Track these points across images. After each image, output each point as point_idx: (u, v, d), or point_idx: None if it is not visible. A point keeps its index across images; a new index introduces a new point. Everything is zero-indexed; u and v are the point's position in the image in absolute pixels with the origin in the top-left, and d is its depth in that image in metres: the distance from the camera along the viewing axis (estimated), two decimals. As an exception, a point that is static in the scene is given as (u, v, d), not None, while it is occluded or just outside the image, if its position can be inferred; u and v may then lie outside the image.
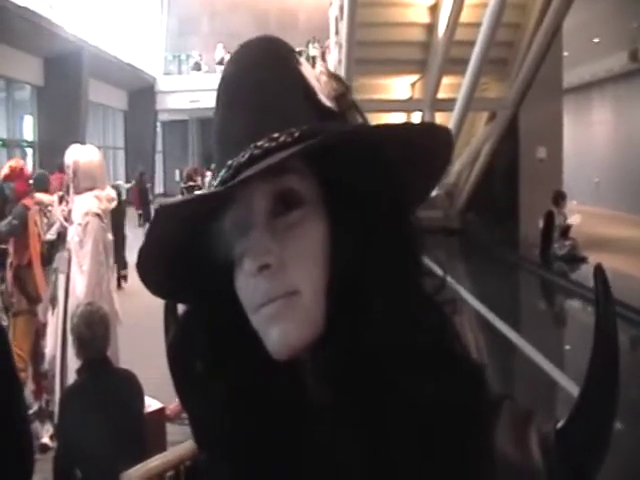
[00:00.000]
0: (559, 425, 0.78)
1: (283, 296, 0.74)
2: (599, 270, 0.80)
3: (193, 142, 37.55)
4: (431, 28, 16.16)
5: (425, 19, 16.22)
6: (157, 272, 0.82)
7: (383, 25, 15.83)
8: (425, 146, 0.79)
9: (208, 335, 0.82)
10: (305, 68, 0.82)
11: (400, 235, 0.78)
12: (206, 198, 0.76)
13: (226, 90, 0.81)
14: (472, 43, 13.73)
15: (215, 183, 0.78)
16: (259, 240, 0.75)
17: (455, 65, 14.82)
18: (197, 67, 33.77)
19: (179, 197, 0.79)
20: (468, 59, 13.99)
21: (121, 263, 11.83)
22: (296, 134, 0.74)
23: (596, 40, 21.51)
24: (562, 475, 0.76)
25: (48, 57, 20.96)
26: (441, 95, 16.22)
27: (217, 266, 0.80)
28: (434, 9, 15.91)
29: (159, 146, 34.57)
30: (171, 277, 0.82)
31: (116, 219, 12.77)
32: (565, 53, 17.63)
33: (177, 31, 35.83)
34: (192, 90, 31.24)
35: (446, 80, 15.97)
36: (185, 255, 0.80)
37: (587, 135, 27.22)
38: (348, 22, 15.19)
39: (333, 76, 0.84)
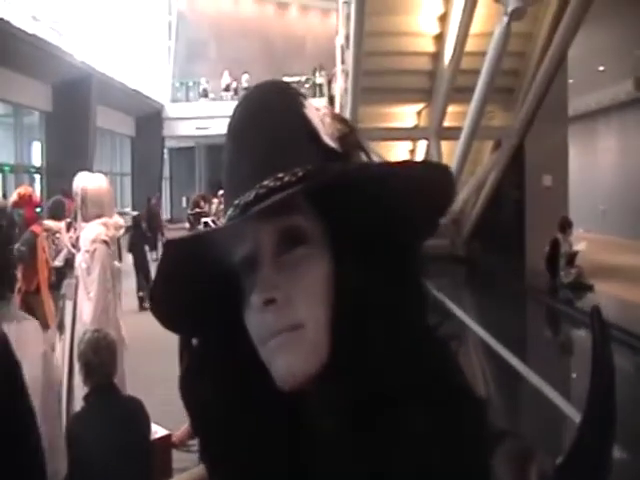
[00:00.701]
0: (558, 461, 0.79)
1: (288, 330, 0.77)
2: (596, 310, 0.83)
3: (200, 169, 37.66)
4: (437, 57, 16.22)
5: (431, 48, 16.28)
6: (169, 307, 0.85)
7: (389, 54, 15.90)
8: (427, 184, 0.82)
9: (220, 367, 0.85)
10: (310, 111, 0.85)
11: (403, 272, 0.81)
12: (213, 234, 0.80)
13: (234, 134, 0.85)
14: (477, 72, 13.79)
15: (224, 222, 0.82)
16: (266, 276, 0.78)
17: (461, 93, 14.87)
18: (204, 94, 33.94)
19: (186, 232, 0.82)
20: (474, 88, 14.04)
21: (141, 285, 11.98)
22: (300, 174, 0.77)
23: (601, 68, 21.59)
24: None
25: (57, 83, 21.10)
26: (447, 123, 16.27)
27: (228, 301, 0.83)
28: (439, 38, 15.98)
29: (166, 172, 34.68)
30: (183, 311, 0.85)
31: (135, 243, 12.93)
32: (570, 81, 17.69)
33: (185, 57, 36.07)
34: (199, 117, 31.39)
35: (452, 108, 16.02)
36: (197, 290, 0.83)
37: (593, 163, 27.24)
38: (354, 51, 15.27)
39: (337, 117, 0.88)
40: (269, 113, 0.84)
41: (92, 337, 3.90)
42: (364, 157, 0.88)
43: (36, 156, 22.03)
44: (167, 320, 0.87)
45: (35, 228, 6.20)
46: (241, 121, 0.85)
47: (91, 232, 5.11)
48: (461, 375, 0.83)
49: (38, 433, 1.86)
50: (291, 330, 0.77)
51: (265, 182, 0.77)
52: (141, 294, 11.87)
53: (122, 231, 5.53)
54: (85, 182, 5.24)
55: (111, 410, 3.69)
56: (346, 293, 0.78)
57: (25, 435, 1.80)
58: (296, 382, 0.77)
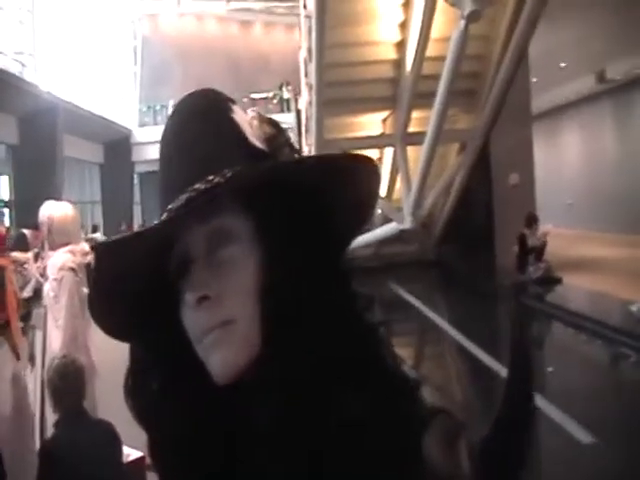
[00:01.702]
0: (484, 437, 0.84)
1: (220, 326, 0.80)
2: (516, 291, 0.87)
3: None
4: (399, 64, 16.17)
5: (393, 55, 16.23)
6: (108, 312, 0.87)
7: (352, 64, 15.85)
8: (351, 176, 0.86)
9: (162, 367, 0.88)
10: (238, 115, 0.89)
11: (331, 265, 0.85)
12: (142, 235, 0.81)
13: (165, 143, 0.89)
14: (439, 77, 13.86)
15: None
16: (198, 275, 0.82)
17: (424, 99, 14.80)
18: (172, 116, 33.76)
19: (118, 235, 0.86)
20: (436, 92, 14.12)
21: None
22: (228, 174, 0.79)
23: (563, 65, 21.75)
24: None
25: (22, 115, 20.94)
26: (412, 129, 16.29)
27: (167, 303, 0.86)
28: (401, 45, 15.94)
29: (137, 197, 34.48)
30: (123, 316, 0.87)
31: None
32: (533, 79, 17.83)
33: (151, 81, 35.89)
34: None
35: (416, 114, 15.98)
36: (134, 294, 0.86)
37: (559, 158, 27.40)
38: (317, 64, 15.25)
39: (265, 120, 0.92)
40: (198, 119, 0.87)
41: (59, 363, 3.91)
42: (293, 156, 0.91)
43: (4, 189, 21.79)
44: (108, 326, 0.89)
45: (2, 261, 6.16)
46: (172, 128, 0.89)
47: (58, 260, 5.11)
48: (392, 358, 0.86)
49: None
50: (223, 326, 0.80)
51: (196, 185, 0.80)
52: None
53: (89, 257, 5.53)
54: (51, 211, 5.24)
55: (81, 435, 3.69)
56: (274, 287, 0.81)
57: None
58: (229, 375, 0.80)
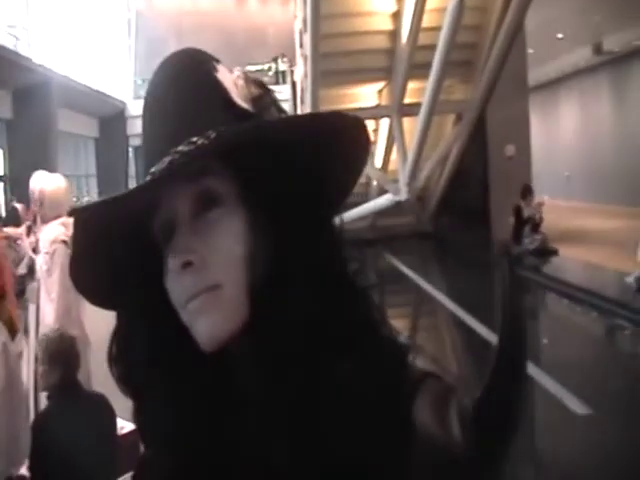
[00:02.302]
0: (476, 398, 0.82)
1: (206, 291, 0.77)
2: (504, 247, 0.86)
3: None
4: (394, 35, 16.16)
5: (388, 26, 16.21)
6: (91, 278, 0.85)
7: (347, 35, 15.83)
8: (339, 134, 0.83)
9: (147, 334, 0.85)
10: (222, 75, 0.86)
11: (319, 227, 0.83)
12: (122, 198, 0.78)
13: (148, 105, 0.87)
14: (435, 47, 13.80)
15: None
16: (182, 239, 0.80)
17: (420, 70, 14.80)
18: (167, 89, 33.60)
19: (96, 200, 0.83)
20: (432, 63, 14.07)
21: None
22: (212, 135, 0.77)
23: (560, 36, 21.65)
24: (479, 444, 0.80)
25: (16, 89, 20.80)
26: (408, 100, 16.23)
27: (150, 267, 0.84)
28: (396, 16, 15.91)
29: (132, 171, 34.41)
30: (104, 282, 0.85)
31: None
32: (530, 51, 17.74)
33: (145, 55, 35.62)
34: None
35: (412, 85, 15.95)
36: (118, 260, 0.84)
37: (556, 130, 27.40)
38: (312, 34, 15.17)
39: (250, 80, 0.89)
40: (181, 79, 0.84)
41: (51, 336, 3.91)
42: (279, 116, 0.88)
43: (-2, 164, 21.71)
44: (90, 293, 0.87)
45: (-7, 235, 6.12)
46: (154, 90, 0.86)
47: (50, 233, 5.10)
48: (382, 322, 0.85)
49: None
50: (208, 291, 0.78)
51: (179, 147, 0.78)
52: None
53: None
54: (42, 184, 5.21)
55: (75, 407, 3.69)
56: (261, 250, 0.79)
57: None
58: (217, 342, 0.78)
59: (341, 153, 0.86)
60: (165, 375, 0.84)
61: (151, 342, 0.85)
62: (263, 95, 0.88)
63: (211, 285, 0.78)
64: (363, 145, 0.88)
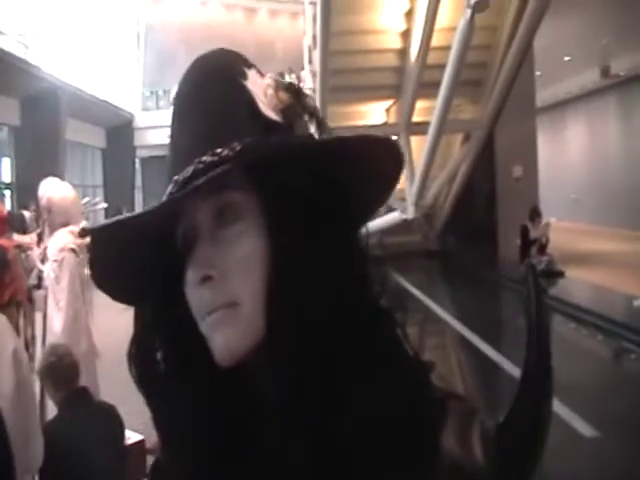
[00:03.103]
0: (500, 420, 0.80)
1: (224, 306, 0.76)
2: (531, 267, 0.85)
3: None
4: (404, 53, 16.24)
5: (398, 45, 16.30)
6: (113, 279, 0.84)
7: (356, 52, 15.91)
8: (371, 159, 0.81)
9: (167, 337, 0.84)
10: (252, 82, 0.84)
11: (341, 247, 0.80)
12: (145, 215, 0.78)
13: (177, 108, 0.85)
14: (444, 66, 13.84)
15: (164, 198, 0.80)
16: (202, 252, 0.78)
17: (429, 89, 14.86)
18: (175, 102, 33.73)
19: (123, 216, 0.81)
20: (441, 82, 14.11)
21: None
22: (237, 148, 0.76)
23: (567, 58, 21.74)
24: (502, 469, 0.77)
25: (24, 97, 20.86)
26: (416, 119, 16.29)
27: (171, 274, 0.82)
28: (406, 35, 16.00)
29: (138, 182, 34.47)
30: (128, 283, 0.84)
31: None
32: (538, 72, 17.81)
33: (154, 67, 35.84)
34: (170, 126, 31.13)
35: (420, 104, 16.03)
36: (141, 263, 0.82)
37: (563, 153, 27.48)
38: (321, 51, 15.26)
39: (282, 86, 0.86)
40: (209, 86, 0.83)
41: (50, 348, 3.90)
42: (311, 126, 0.86)
43: (5, 172, 21.71)
44: (112, 289, 0.86)
45: (3, 242, 6.11)
46: (182, 94, 0.85)
47: (58, 241, 5.08)
48: (406, 343, 0.83)
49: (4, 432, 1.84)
50: (227, 307, 0.76)
51: (204, 158, 0.76)
52: None
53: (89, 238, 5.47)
54: (50, 191, 5.20)
55: (83, 415, 3.67)
56: (281, 268, 0.77)
57: None
58: (234, 357, 0.77)
59: (371, 176, 0.84)
60: (182, 381, 0.83)
61: (170, 345, 0.84)
62: (293, 104, 0.86)
63: (230, 301, 0.77)
64: (395, 171, 0.86)
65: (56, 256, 5.02)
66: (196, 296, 0.78)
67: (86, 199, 11.28)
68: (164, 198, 0.80)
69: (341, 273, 0.79)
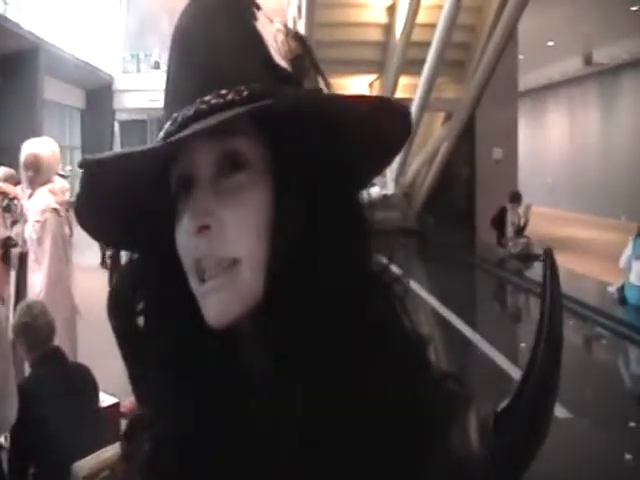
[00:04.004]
0: (499, 409, 0.77)
1: (221, 268, 0.72)
2: (549, 254, 0.82)
3: (152, 141, 36.72)
4: (389, 28, 16.20)
5: (383, 19, 16.25)
6: (99, 218, 0.80)
7: (341, 25, 15.84)
8: (381, 121, 0.78)
9: (149, 288, 0.81)
10: (262, 25, 0.79)
11: (346, 208, 0.76)
12: (145, 154, 0.73)
13: (178, 43, 0.79)
14: (429, 44, 13.80)
15: (160, 135, 0.77)
16: (201, 200, 0.73)
17: (412, 66, 14.85)
18: (156, 66, 33.20)
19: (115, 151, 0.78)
20: (425, 60, 14.09)
21: None
22: (245, 93, 0.72)
23: (550, 44, 21.74)
24: (499, 459, 0.75)
25: (2, 55, 20.51)
26: (399, 95, 16.24)
27: (160, 217, 0.78)
28: (391, 10, 15.96)
29: (117, 145, 34.11)
30: (114, 224, 0.80)
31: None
32: (521, 57, 17.83)
33: (136, 30, 35.28)
34: (151, 89, 30.72)
35: (404, 80, 16.00)
36: (130, 203, 0.78)
37: (542, 137, 27.56)
38: (306, 22, 15.16)
39: (291, 34, 0.81)
40: (216, 21, 0.77)
41: (25, 307, 3.86)
42: (318, 81, 0.81)
43: (-19, 130, 21.33)
44: (94, 229, 0.82)
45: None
46: (185, 26, 0.78)
47: (40, 201, 4.96)
48: (405, 317, 0.79)
49: None
50: (226, 268, 0.72)
51: (207, 97, 0.72)
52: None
53: (68, 195, 5.38)
54: (38, 148, 5.06)
55: (56, 375, 3.67)
56: (285, 227, 0.73)
57: None
58: (226, 321, 0.72)
59: (379, 137, 0.81)
60: (164, 333, 0.79)
61: (152, 298, 0.81)
62: (303, 56, 0.81)
63: (229, 258, 0.72)
64: (403, 134, 0.83)
65: (39, 217, 4.89)
66: (191, 245, 0.73)
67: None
68: (161, 134, 0.77)
69: (347, 238, 0.75)
